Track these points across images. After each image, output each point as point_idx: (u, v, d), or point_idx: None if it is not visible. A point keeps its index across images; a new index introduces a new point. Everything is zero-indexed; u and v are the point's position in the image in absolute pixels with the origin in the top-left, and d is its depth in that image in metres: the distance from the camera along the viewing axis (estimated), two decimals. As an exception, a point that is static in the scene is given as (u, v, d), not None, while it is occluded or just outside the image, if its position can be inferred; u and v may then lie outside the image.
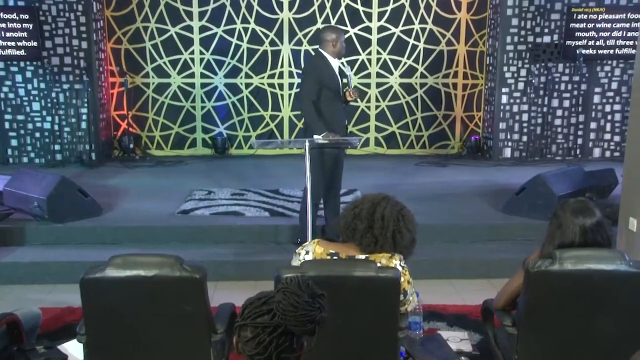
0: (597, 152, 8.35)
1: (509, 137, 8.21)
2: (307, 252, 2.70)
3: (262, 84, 8.59)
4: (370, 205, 2.67)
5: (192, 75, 8.52)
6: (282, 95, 8.61)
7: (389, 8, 8.48)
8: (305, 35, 8.44)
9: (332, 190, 4.96)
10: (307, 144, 4.32)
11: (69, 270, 4.40)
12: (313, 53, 8.14)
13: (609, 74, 8.16)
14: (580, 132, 8.29)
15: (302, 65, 8.22)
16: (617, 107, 8.23)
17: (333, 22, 8.40)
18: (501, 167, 7.79)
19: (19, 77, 7.82)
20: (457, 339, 3.68)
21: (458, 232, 5.27)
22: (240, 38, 8.45)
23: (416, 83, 8.71)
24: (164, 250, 4.12)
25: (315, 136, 4.51)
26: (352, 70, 8.53)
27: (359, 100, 5.07)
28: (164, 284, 2.59)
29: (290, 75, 8.55)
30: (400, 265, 2.64)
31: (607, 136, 8.32)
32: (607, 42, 7.89)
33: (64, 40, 7.74)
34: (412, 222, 2.71)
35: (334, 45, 4.72)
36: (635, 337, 2.52)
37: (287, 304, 1.52)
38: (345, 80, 4.83)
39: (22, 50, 7.61)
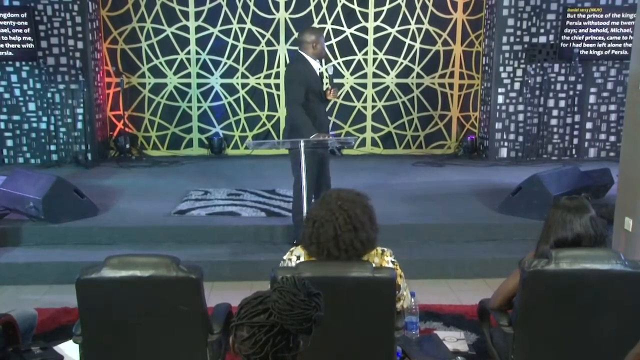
0: (592, 152, 8.37)
1: (505, 137, 8.23)
2: (297, 258, 2.65)
3: (259, 84, 8.59)
4: (313, 230, 2.57)
5: (188, 76, 8.51)
6: (278, 96, 8.61)
7: (385, 8, 8.48)
8: (301, 36, 8.43)
9: (324, 191, 4.96)
10: (302, 143, 4.33)
11: (65, 271, 4.40)
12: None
13: (605, 74, 8.19)
14: (576, 132, 8.31)
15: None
16: (612, 107, 8.26)
17: (329, 22, 8.41)
18: (497, 167, 7.81)
19: (14, 77, 7.81)
20: (454, 339, 3.68)
21: (454, 232, 5.27)
22: (236, 38, 8.44)
23: (412, 83, 8.71)
24: (160, 251, 4.12)
25: (313, 136, 4.51)
26: (347, 70, 8.57)
27: (337, 99, 5.04)
28: (160, 285, 2.59)
29: (287, 75, 8.54)
30: (391, 261, 2.64)
31: (603, 136, 8.35)
32: (603, 42, 7.92)
33: (60, 40, 7.73)
34: (359, 222, 2.56)
35: (314, 47, 4.67)
36: (631, 336, 2.52)
37: (283, 303, 1.52)
38: (326, 80, 4.82)
39: (18, 51, 7.59)
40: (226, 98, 8.59)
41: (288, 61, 8.49)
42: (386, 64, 8.64)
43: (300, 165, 4.38)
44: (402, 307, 2.73)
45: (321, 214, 2.55)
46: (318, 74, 4.75)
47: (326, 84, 4.80)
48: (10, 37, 7.53)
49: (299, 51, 4.79)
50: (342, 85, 8.48)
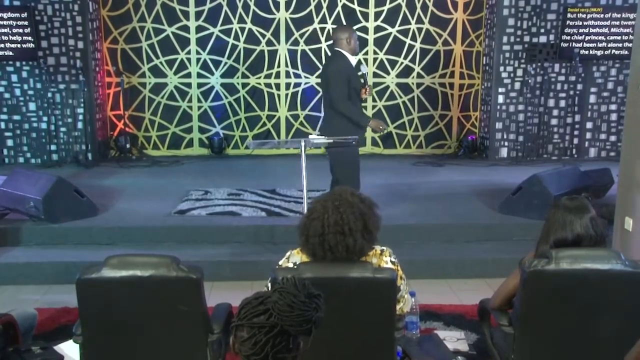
0: (593, 151, 8.37)
1: (505, 137, 8.22)
2: (294, 265, 2.60)
3: (259, 84, 8.59)
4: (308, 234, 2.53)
5: (188, 75, 8.51)
6: (278, 95, 8.61)
7: (385, 8, 8.48)
8: (301, 35, 8.43)
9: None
10: (302, 143, 4.33)
11: (65, 271, 4.40)
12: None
13: (605, 74, 8.18)
14: (576, 132, 8.31)
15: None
16: (613, 107, 8.26)
17: (329, 22, 8.41)
18: (497, 166, 7.81)
19: (14, 77, 7.81)
20: (454, 339, 3.68)
21: (454, 231, 5.27)
22: (236, 38, 8.44)
23: (413, 83, 8.71)
24: (161, 251, 4.12)
25: (371, 122, 4.79)
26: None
27: (369, 98, 5.21)
28: (161, 284, 2.59)
29: (287, 75, 8.55)
30: (391, 260, 2.62)
31: (603, 136, 8.34)
32: (603, 42, 7.91)
33: (60, 40, 7.73)
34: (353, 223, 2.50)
35: (348, 42, 4.77)
36: (631, 336, 2.52)
37: (283, 304, 1.52)
38: (362, 78, 4.87)
39: (18, 50, 7.59)
40: (226, 98, 8.59)
41: (289, 61, 8.50)
42: (386, 63, 8.63)
43: (339, 165, 4.56)
44: (402, 311, 2.68)
45: (317, 208, 2.54)
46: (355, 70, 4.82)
47: (362, 82, 4.86)
48: (10, 36, 7.53)
49: (336, 48, 4.84)
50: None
